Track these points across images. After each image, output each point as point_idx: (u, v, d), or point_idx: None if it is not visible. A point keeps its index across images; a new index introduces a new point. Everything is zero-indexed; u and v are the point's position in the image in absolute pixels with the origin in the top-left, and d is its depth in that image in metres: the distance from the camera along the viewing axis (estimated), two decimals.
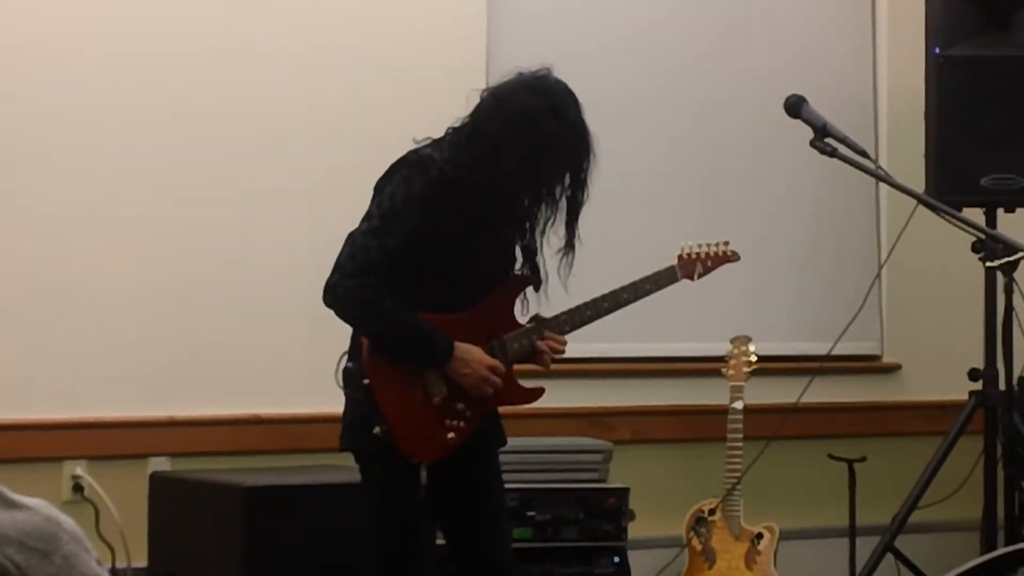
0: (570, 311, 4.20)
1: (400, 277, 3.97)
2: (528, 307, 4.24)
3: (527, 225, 4.10)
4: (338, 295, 3.96)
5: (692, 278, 4.43)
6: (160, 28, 5.25)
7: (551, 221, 4.08)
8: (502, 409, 4.27)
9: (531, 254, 4.16)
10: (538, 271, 4.17)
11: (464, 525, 4.19)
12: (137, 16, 5.22)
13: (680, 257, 4.40)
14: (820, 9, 6.27)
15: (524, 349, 4.16)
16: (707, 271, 4.45)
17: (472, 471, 4.16)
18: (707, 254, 4.45)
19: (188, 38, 5.28)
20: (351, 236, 4.01)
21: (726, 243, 4.51)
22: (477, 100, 4.08)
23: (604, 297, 4.24)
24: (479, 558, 4.19)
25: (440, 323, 4.03)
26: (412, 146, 4.10)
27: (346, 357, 4.08)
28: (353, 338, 4.08)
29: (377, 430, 3.99)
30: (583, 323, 4.23)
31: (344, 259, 3.98)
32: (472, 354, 4.03)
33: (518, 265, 4.19)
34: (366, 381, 4.00)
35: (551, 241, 4.15)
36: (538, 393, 4.25)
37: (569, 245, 4.10)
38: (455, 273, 4.05)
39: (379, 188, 4.07)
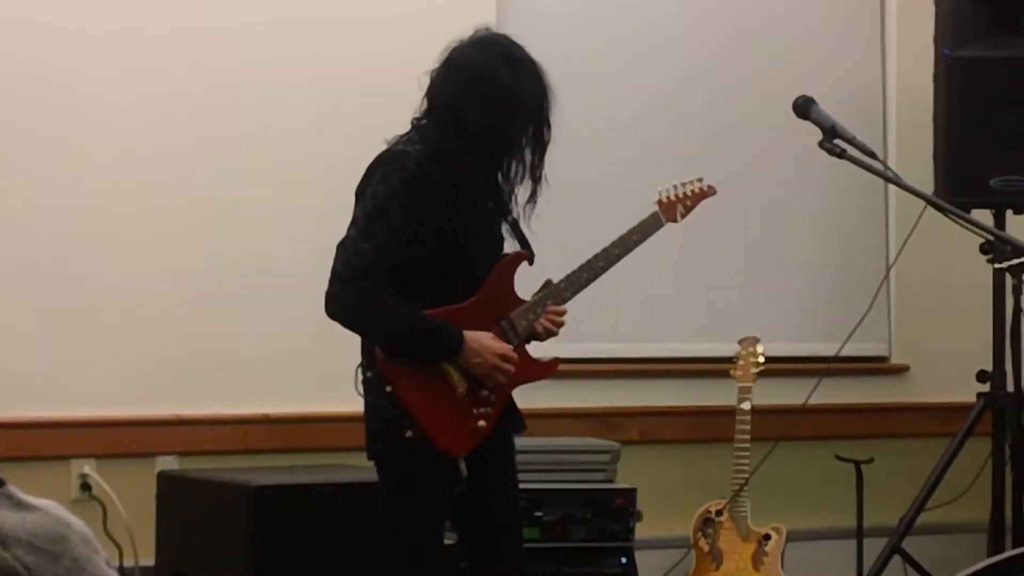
0: (567, 277, 4.20)
1: (399, 277, 3.97)
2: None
3: (507, 191, 4.11)
4: (339, 304, 3.96)
5: (675, 219, 4.40)
6: (165, 22, 5.25)
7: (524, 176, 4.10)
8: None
9: (517, 227, 4.16)
10: (528, 244, 4.18)
11: (482, 517, 4.18)
12: (142, 10, 5.23)
13: (660, 203, 4.38)
14: (829, 10, 6.26)
15: (532, 324, 4.17)
16: (688, 210, 4.43)
17: (494, 459, 4.17)
18: (685, 194, 4.43)
19: (196, 33, 5.29)
20: (342, 244, 4.01)
21: (700, 179, 4.47)
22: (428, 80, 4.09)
23: (596, 256, 4.23)
24: (495, 553, 4.19)
25: (447, 315, 4.03)
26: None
27: (361, 369, 4.08)
28: (365, 348, 4.07)
29: (409, 434, 3.99)
30: (582, 286, 4.23)
31: (339, 267, 3.98)
32: (482, 342, 4.03)
33: (507, 243, 4.19)
34: (389, 388, 4.00)
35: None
36: (554, 366, 4.27)
37: (535, 180, 4.09)
38: (451, 263, 4.05)
39: (360, 192, 4.07)
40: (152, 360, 5.20)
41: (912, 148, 5.95)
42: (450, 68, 4.05)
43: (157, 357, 5.21)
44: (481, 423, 4.07)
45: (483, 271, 4.12)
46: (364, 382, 4.06)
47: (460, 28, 5.56)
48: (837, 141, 4.15)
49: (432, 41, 5.54)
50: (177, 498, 5.02)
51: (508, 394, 4.14)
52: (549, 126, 4.08)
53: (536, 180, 4.10)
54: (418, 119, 4.10)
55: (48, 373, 5.10)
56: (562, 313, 4.20)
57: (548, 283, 4.21)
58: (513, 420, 4.24)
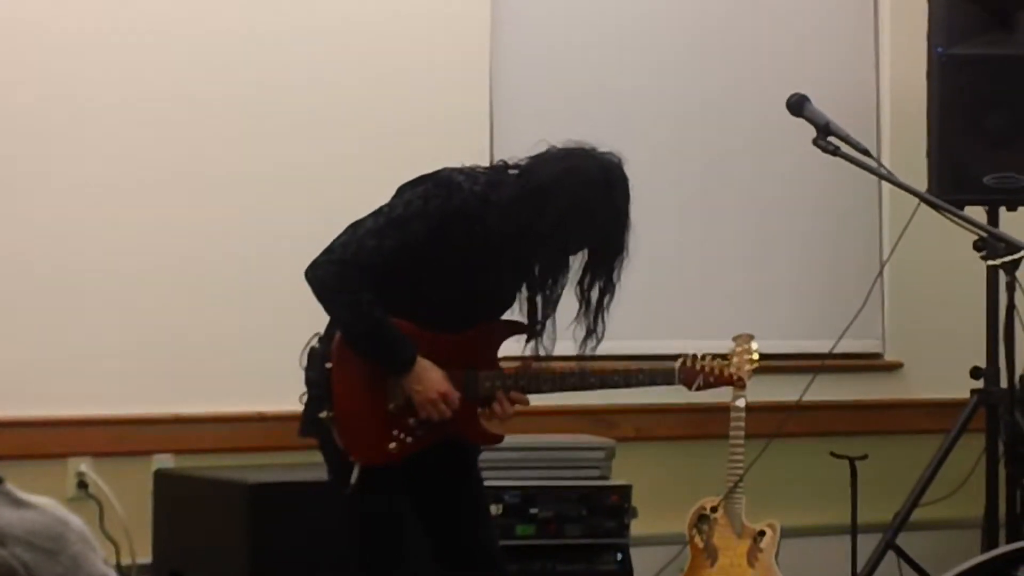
0: (554, 374, 4.14)
1: (394, 285, 3.97)
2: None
3: (534, 276, 4.07)
4: (318, 274, 3.97)
5: (689, 387, 4.27)
6: (162, 24, 5.27)
7: (559, 289, 4.04)
8: None
9: (532, 305, 4.11)
10: (535, 322, 4.10)
11: (446, 535, 4.18)
12: (139, 13, 5.24)
13: (684, 362, 4.23)
14: (823, 8, 6.27)
15: (494, 391, 4.09)
16: (707, 386, 4.27)
17: (452, 487, 4.18)
18: (711, 369, 4.26)
19: (190, 32, 5.30)
20: (354, 225, 4.01)
21: (739, 366, 4.33)
22: (544, 147, 4.04)
23: (594, 373, 4.19)
24: (470, 559, 4.19)
25: (420, 338, 4.01)
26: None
27: (316, 338, 4.08)
28: (330, 323, 4.07)
29: (324, 414, 4.00)
30: (564, 389, 4.18)
31: (337, 244, 3.98)
32: (430, 374, 4.00)
33: (515, 310, 4.14)
34: (328, 364, 4.00)
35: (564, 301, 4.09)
36: (497, 439, 4.20)
37: (589, 335, 4.04)
38: (448, 299, 4.03)
39: (401, 191, 4.06)
40: (148, 359, 5.21)
41: (905, 145, 5.96)
42: (562, 157, 4.00)
43: (153, 356, 5.22)
44: (393, 446, 4.03)
45: (475, 319, 4.09)
46: (309, 351, 4.06)
47: (455, 29, 5.61)
48: (831, 138, 4.16)
49: (426, 43, 5.58)
50: (173, 496, 5.03)
51: (436, 437, 4.07)
52: (611, 279, 4.01)
53: (591, 327, 4.04)
54: (506, 166, 4.07)
55: (45, 372, 5.10)
56: (525, 403, 4.13)
57: (527, 365, 4.13)
58: (471, 445, 4.23)
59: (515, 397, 4.11)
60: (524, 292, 4.12)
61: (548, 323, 4.08)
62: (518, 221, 3.93)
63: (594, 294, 4.03)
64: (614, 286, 4.03)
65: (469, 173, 4.04)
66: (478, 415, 4.13)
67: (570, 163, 3.98)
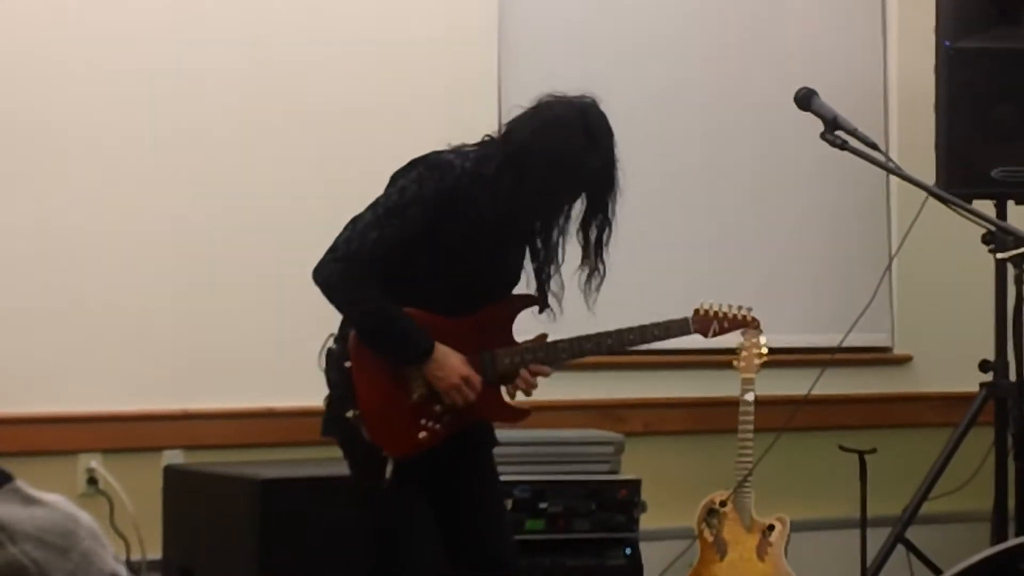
0: (571, 340, 4.17)
1: (400, 275, 3.98)
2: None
3: (536, 242, 4.10)
4: (324, 274, 3.98)
5: (706, 335, 4.36)
6: (168, 19, 5.27)
7: (560, 239, 4.07)
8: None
9: (541, 274, 4.13)
10: (544, 293, 4.14)
11: (462, 531, 4.18)
12: (142, 23, 5.25)
13: (696, 311, 4.34)
14: (831, 2, 6.27)
15: (514, 367, 4.12)
16: (723, 332, 4.38)
17: (466, 480, 4.19)
18: (724, 314, 4.38)
19: (197, 24, 5.30)
20: (353, 221, 4.03)
21: (750, 309, 4.46)
22: (518, 112, 4.06)
23: (609, 334, 4.19)
24: (480, 557, 4.19)
25: (433, 325, 4.03)
26: (427, 145, 4.10)
27: (332, 339, 4.10)
28: (344, 322, 4.08)
29: (351, 414, 4.00)
30: (582, 355, 4.21)
31: (340, 241, 4.00)
32: (450, 360, 4.02)
33: (524, 284, 4.17)
34: (348, 364, 4.01)
35: (567, 265, 4.12)
36: (523, 415, 4.22)
37: (592, 274, 4.08)
38: (455, 280, 4.05)
39: (394, 179, 4.07)
40: (157, 355, 5.22)
41: (913, 139, 5.96)
42: (536, 113, 4.02)
43: (162, 352, 5.23)
44: (423, 435, 4.05)
45: (485, 299, 4.11)
46: (327, 352, 4.07)
47: (462, 34, 5.61)
48: (839, 132, 4.15)
49: (434, 48, 5.58)
50: (183, 492, 5.04)
51: (463, 421, 4.10)
52: (607, 215, 4.04)
53: (593, 266, 4.08)
54: (489, 138, 4.09)
55: (54, 368, 5.11)
56: (546, 374, 4.16)
57: (542, 337, 4.17)
58: (485, 435, 4.25)
59: (536, 369, 4.13)
60: (530, 263, 4.15)
61: (555, 279, 4.12)
62: (509, 192, 3.94)
63: (592, 233, 4.06)
64: (610, 222, 4.05)
65: (458, 151, 4.06)
66: (501, 394, 4.15)
67: (544, 117, 3.99)
